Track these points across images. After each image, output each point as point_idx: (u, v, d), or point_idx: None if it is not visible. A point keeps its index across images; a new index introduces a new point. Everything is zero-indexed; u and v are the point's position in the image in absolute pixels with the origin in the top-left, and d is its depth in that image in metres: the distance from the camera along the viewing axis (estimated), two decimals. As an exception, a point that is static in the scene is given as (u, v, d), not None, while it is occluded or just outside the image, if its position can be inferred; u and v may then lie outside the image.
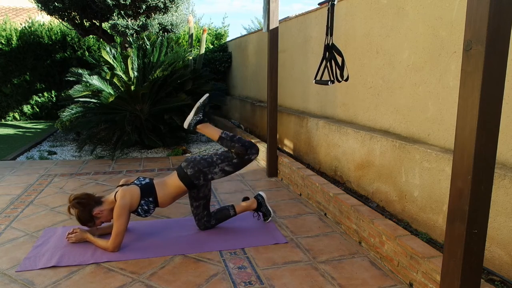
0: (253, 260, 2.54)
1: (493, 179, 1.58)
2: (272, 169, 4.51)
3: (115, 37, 7.56)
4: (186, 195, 2.96)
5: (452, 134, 2.56)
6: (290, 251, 2.66)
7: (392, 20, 3.23)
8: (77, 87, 5.47)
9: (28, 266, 2.43)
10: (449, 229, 1.67)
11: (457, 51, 2.57)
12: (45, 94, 9.30)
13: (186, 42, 8.90)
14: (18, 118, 9.39)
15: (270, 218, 3.14)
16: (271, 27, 4.15)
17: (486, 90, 1.46)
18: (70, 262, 2.48)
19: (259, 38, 6.72)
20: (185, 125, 2.92)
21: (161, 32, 6.97)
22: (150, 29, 6.66)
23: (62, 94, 6.78)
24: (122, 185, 2.75)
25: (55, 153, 5.76)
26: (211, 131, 2.90)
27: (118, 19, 6.42)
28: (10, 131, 7.81)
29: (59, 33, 9.16)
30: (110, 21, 6.57)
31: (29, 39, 8.92)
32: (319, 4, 3.76)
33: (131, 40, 6.11)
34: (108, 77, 5.39)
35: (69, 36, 9.20)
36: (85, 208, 2.62)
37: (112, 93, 5.38)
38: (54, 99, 9.29)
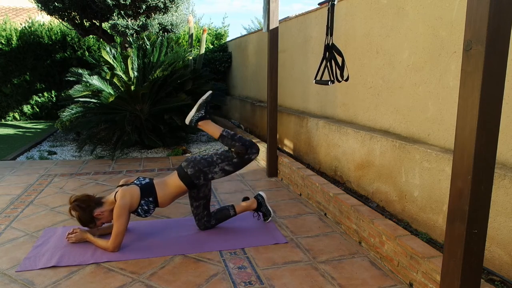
0: (253, 260, 2.54)
1: (493, 179, 1.58)
2: (272, 169, 4.51)
3: (115, 37, 7.56)
4: (186, 195, 2.96)
5: (452, 134, 2.56)
6: (290, 251, 2.66)
7: (392, 20, 3.23)
8: (77, 87, 5.47)
9: (28, 266, 2.43)
10: (449, 229, 1.67)
11: (457, 51, 2.57)
12: (45, 94, 9.30)
13: (186, 42, 8.90)
14: (18, 118, 9.39)
15: (270, 218, 3.14)
16: (271, 27, 4.15)
17: (486, 90, 1.46)
18: (70, 262, 2.48)
19: (259, 38, 6.72)
20: (187, 121, 2.93)
21: (161, 32, 6.97)
22: (150, 29, 6.66)
23: (62, 94, 6.78)
24: (122, 185, 2.75)
25: (55, 153, 5.76)
26: (212, 128, 2.90)
27: (118, 19, 6.42)
28: (10, 131, 7.81)
29: (59, 33, 9.16)
30: (110, 21, 6.57)
31: (29, 39, 8.92)
32: (319, 4, 3.76)
33: (131, 40, 6.11)
34: (108, 77, 5.40)
35: (69, 36, 9.20)
36: (86, 209, 2.62)
37: (112, 93, 5.38)
38: (54, 99, 9.30)
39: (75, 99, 5.51)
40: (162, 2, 6.41)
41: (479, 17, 1.44)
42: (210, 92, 2.98)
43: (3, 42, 8.82)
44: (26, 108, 9.33)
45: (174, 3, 6.61)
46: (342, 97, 4.06)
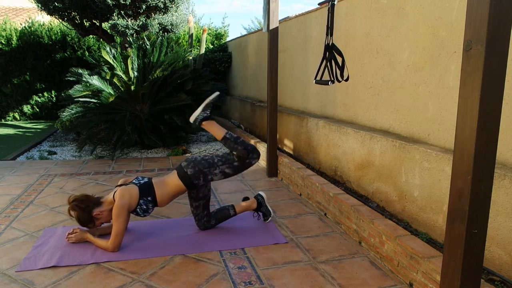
0: (253, 260, 2.54)
1: (493, 179, 1.58)
2: (272, 169, 4.51)
3: (115, 37, 7.56)
4: (185, 195, 2.96)
5: (452, 134, 2.56)
6: (290, 251, 2.66)
7: (392, 20, 3.23)
8: (77, 87, 5.47)
9: (28, 266, 2.43)
10: (449, 229, 1.67)
11: (457, 51, 2.57)
12: (45, 94, 9.30)
13: (186, 42, 8.90)
14: (18, 118, 9.39)
15: (270, 218, 3.14)
16: (271, 27, 4.15)
17: (486, 90, 1.46)
18: (70, 262, 2.48)
19: (259, 38, 6.72)
20: (191, 119, 2.93)
21: (161, 32, 6.97)
22: (150, 29, 6.66)
23: (62, 94, 6.78)
24: (120, 185, 2.75)
25: (55, 153, 5.76)
26: (216, 129, 2.90)
27: (118, 19, 6.42)
28: (10, 131, 7.81)
29: (59, 33, 9.16)
30: (110, 21, 6.57)
31: (29, 39, 8.92)
32: (319, 4, 3.76)
33: (131, 40, 6.11)
34: (108, 77, 5.40)
35: (69, 36, 9.20)
36: (85, 209, 2.62)
37: (112, 93, 5.38)
38: (54, 99, 9.30)
39: (75, 99, 5.51)
40: (162, 2, 6.41)
41: (479, 17, 1.44)
42: (217, 93, 2.98)
43: (3, 42, 8.82)
44: (26, 108, 9.33)
45: (174, 3, 6.61)
46: (342, 97, 4.06)
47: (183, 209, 3.47)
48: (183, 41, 9.34)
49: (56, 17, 6.81)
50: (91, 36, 8.74)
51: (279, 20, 4.63)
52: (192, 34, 7.28)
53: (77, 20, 7.01)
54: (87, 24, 7.21)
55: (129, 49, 6.39)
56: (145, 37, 6.29)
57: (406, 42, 3.08)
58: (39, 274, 2.35)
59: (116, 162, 5.22)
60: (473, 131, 1.50)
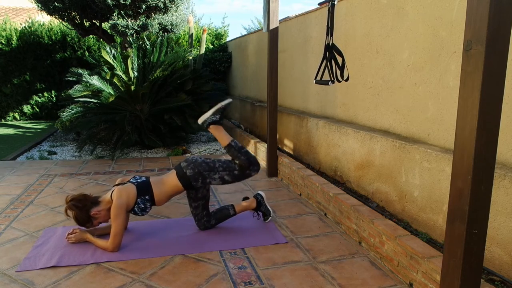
0: (253, 260, 2.54)
1: (493, 179, 1.58)
2: (272, 169, 4.51)
3: (115, 37, 7.56)
4: (184, 195, 2.96)
5: (452, 134, 2.56)
6: (290, 251, 2.66)
7: (392, 20, 3.23)
8: (77, 87, 5.47)
9: (28, 266, 2.43)
10: (449, 229, 1.67)
11: (457, 51, 2.57)
12: (45, 94, 9.30)
13: (186, 42, 8.90)
14: (18, 118, 9.39)
15: (270, 218, 3.14)
16: (271, 27, 4.15)
17: (486, 90, 1.46)
18: (70, 262, 2.48)
19: (259, 38, 6.72)
20: (200, 121, 2.94)
21: (161, 32, 6.97)
22: (150, 29, 6.66)
23: (62, 94, 6.79)
24: (118, 185, 2.75)
25: (55, 153, 5.76)
26: (222, 135, 2.92)
27: (118, 19, 6.42)
28: (10, 131, 7.81)
29: (59, 33, 9.16)
30: (110, 21, 6.57)
31: (29, 39, 8.92)
32: (319, 4, 3.76)
33: (131, 40, 6.11)
34: (108, 77, 5.40)
35: (69, 36, 9.20)
36: (82, 209, 2.62)
37: (112, 93, 5.38)
38: (54, 99, 9.30)
39: (75, 99, 5.51)
40: (162, 2, 6.41)
41: (479, 17, 1.44)
42: (230, 100, 3.01)
43: (3, 42, 8.82)
44: (26, 108, 9.33)
45: (174, 3, 6.61)
46: (342, 97, 4.06)
47: (183, 209, 3.47)
48: (183, 41, 9.34)
49: (56, 17, 6.81)
50: (91, 36, 8.74)
51: (279, 20, 4.63)
52: (192, 34, 7.28)
53: (77, 20, 7.01)
54: (87, 24, 7.21)
55: (129, 49, 6.39)
56: (145, 37, 6.29)
57: (406, 42, 3.08)
58: (39, 274, 2.35)
59: (116, 162, 5.22)
60: (473, 131, 1.50)
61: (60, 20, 6.96)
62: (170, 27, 6.99)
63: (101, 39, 8.78)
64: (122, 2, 6.11)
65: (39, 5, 6.57)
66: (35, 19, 9.76)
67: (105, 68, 5.66)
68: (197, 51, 7.63)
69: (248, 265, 2.46)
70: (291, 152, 5.17)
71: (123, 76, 5.45)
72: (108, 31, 7.21)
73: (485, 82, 1.45)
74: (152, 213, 3.35)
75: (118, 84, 5.41)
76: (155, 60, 5.84)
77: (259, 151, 5.19)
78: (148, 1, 6.30)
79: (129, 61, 5.49)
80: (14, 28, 8.96)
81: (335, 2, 3.30)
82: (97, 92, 5.51)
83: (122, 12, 6.42)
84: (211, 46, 9.86)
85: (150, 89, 5.52)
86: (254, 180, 4.36)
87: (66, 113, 5.40)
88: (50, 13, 6.64)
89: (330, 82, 3.29)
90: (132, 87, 5.43)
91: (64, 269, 2.41)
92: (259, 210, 3.13)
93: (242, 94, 8.15)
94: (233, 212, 3.04)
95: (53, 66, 9.14)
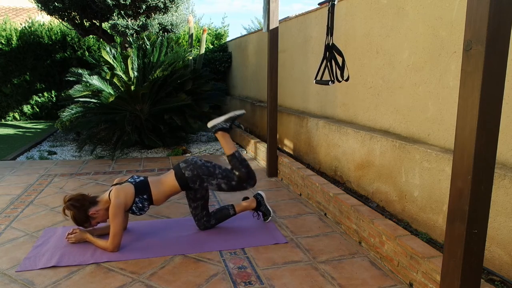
0: (253, 260, 2.54)
1: (493, 179, 1.58)
2: (272, 169, 4.51)
3: (115, 37, 7.56)
4: (184, 195, 2.97)
5: (452, 134, 2.56)
6: (290, 251, 2.66)
7: (392, 20, 3.23)
8: (77, 87, 5.47)
9: (28, 266, 2.43)
10: (449, 229, 1.67)
11: (457, 51, 2.57)
12: (45, 94, 9.30)
13: (186, 42, 8.90)
14: (18, 118, 9.39)
15: (270, 218, 3.14)
16: (271, 27, 4.15)
17: (486, 90, 1.46)
18: (70, 262, 2.48)
19: (259, 38, 6.72)
20: (210, 124, 2.98)
21: (161, 32, 6.97)
22: (150, 29, 6.66)
23: (62, 94, 6.79)
24: (116, 184, 2.75)
25: (55, 153, 5.76)
26: (228, 143, 2.95)
27: (118, 19, 6.42)
28: (10, 131, 7.81)
29: (59, 33, 9.16)
30: (110, 21, 6.57)
31: (29, 39, 8.92)
32: (319, 4, 3.76)
33: (131, 40, 6.11)
34: (108, 77, 5.40)
35: (69, 36, 9.20)
36: (80, 208, 2.62)
37: (112, 93, 5.38)
38: (54, 99, 9.30)
39: (75, 99, 5.51)
40: (162, 2, 6.41)
41: (479, 17, 1.44)
42: (243, 111, 3.07)
43: (3, 42, 8.82)
44: (26, 108, 9.33)
45: (174, 3, 6.61)
46: (342, 97, 4.06)
47: (183, 209, 3.47)
48: (183, 41, 9.34)
49: (56, 17, 6.81)
50: (91, 36, 8.74)
51: (279, 20, 4.63)
52: (192, 34, 7.28)
53: (77, 20, 7.01)
54: (87, 24, 7.21)
55: (129, 49, 6.39)
56: (145, 37, 6.29)
57: (406, 42, 3.08)
58: (39, 274, 2.35)
59: (116, 162, 5.22)
60: (473, 131, 1.50)
61: (60, 20, 6.96)
62: (170, 27, 6.99)
63: (101, 39, 8.78)
64: (122, 2, 6.11)
65: (39, 5, 6.57)
66: (35, 19, 9.77)
67: (105, 68, 5.66)
68: (197, 51, 7.64)
69: (248, 265, 2.46)
70: (291, 152, 5.17)
71: (123, 76, 5.45)
72: (108, 31, 7.21)
73: (485, 82, 1.45)
74: (152, 213, 3.36)
75: (118, 84, 5.41)
76: (155, 60, 5.84)
77: (259, 151, 5.19)
78: (148, 1, 6.30)
79: (129, 61, 5.49)
80: (14, 28, 8.97)
81: (335, 2, 3.30)
82: (97, 92, 5.51)
83: (122, 12, 6.42)
84: (211, 46, 9.86)
85: (150, 89, 5.52)
86: (254, 180, 4.36)
87: (66, 113, 5.40)
88: (50, 13, 6.64)
89: (330, 82, 3.29)
90: (132, 87, 5.43)
91: (64, 269, 2.41)
92: (259, 210, 3.13)
93: (242, 94, 8.15)
94: (233, 212, 3.04)
95: (53, 66, 9.14)
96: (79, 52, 9.22)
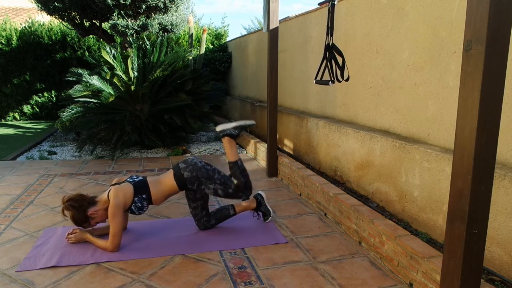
0: (253, 260, 2.54)
1: (493, 179, 1.58)
2: (272, 169, 4.51)
3: (115, 37, 7.56)
4: (184, 195, 2.97)
5: (452, 134, 2.56)
6: (290, 251, 2.66)
7: (392, 20, 3.23)
8: (77, 87, 5.47)
9: (28, 266, 2.43)
10: (449, 229, 1.67)
11: (457, 51, 2.57)
12: (45, 94, 9.30)
13: (186, 42, 8.90)
14: (18, 118, 9.39)
15: (270, 218, 3.14)
16: (271, 27, 4.15)
17: (486, 90, 1.46)
18: (70, 262, 2.48)
19: (259, 38, 6.72)
20: (219, 128, 3.00)
21: (161, 32, 6.97)
22: (150, 29, 6.66)
23: (62, 94, 6.79)
24: (114, 184, 2.75)
25: (55, 153, 5.76)
26: (232, 150, 2.97)
27: (118, 19, 6.42)
28: (10, 131, 7.81)
29: (59, 33, 9.16)
30: (110, 21, 6.57)
31: (29, 39, 8.92)
32: (319, 4, 3.76)
33: (131, 40, 6.11)
34: (108, 77, 5.40)
35: (69, 36, 9.20)
36: (79, 209, 2.62)
37: (112, 93, 5.38)
38: (54, 99, 9.30)
39: (75, 99, 5.51)
40: (162, 2, 6.41)
41: (479, 17, 1.44)
42: (254, 122, 3.12)
43: (3, 42, 8.82)
44: (26, 108, 9.33)
45: (174, 3, 6.61)
46: (342, 97, 4.06)
47: (183, 209, 3.47)
48: (183, 41, 9.34)
49: (56, 17, 6.81)
50: (91, 36, 8.74)
51: (279, 20, 4.63)
52: (192, 34, 7.28)
53: (77, 20, 7.01)
54: (87, 24, 7.21)
55: (129, 49, 6.39)
56: (145, 37, 6.29)
57: (406, 42, 3.08)
58: (39, 274, 2.35)
59: (116, 162, 5.22)
60: (473, 131, 1.50)
61: (60, 20, 6.96)
62: (170, 27, 6.99)
63: (101, 39, 8.78)
64: (122, 2, 6.11)
65: (39, 5, 6.57)
66: (35, 19, 9.77)
67: (105, 68, 5.66)
68: (197, 51, 7.64)
69: (248, 265, 2.46)
70: (291, 152, 5.17)
71: (123, 76, 5.45)
72: (108, 31, 7.21)
73: (485, 82, 1.45)
74: (152, 213, 3.36)
75: (118, 84, 5.41)
76: (155, 60, 5.84)
77: (259, 151, 5.19)
78: (148, 1, 6.30)
79: (129, 61, 5.49)
80: (14, 28, 8.97)
81: (335, 2, 3.30)
82: (97, 92, 5.51)
83: (122, 12, 6.42)
84: (211, 46, 9.86)
85: (150, 89, 5.52)
86: (254, 180, 4.36)
87: (66, 113, 5.40)
88: (50, 13, 6.64)
89: (330, 82, 3.29)
90: (132, 87, 5.43)
91: (64, 269, 2.41)
92: (259, 210, 3.13)
93: (242, 94, 8.15)
94: (233, 212, 3.04)
95: (53, 66, 9.14)
96: (79, 52, 9.22)
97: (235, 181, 2.87)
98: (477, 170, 1.52)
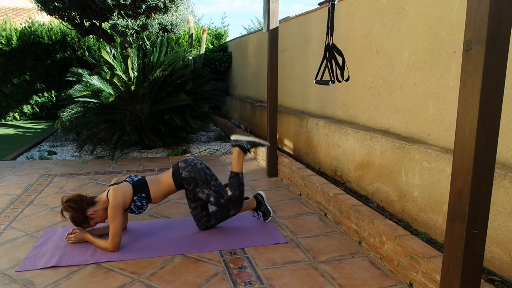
0: (253, 260, 2.54)
1: (493, 179, 1.58)
2: (272, 169, 4.51)
3: (115, 37, 7.56)
4: (184, 195, 2.97)
5: (452, 134, 2.56)
6: (290, 251, 2.66)
7: (392, 20, 3.23)
8: (77, 87, 5.47)
9: (28, 266, 2.43)
10: (449, 229, 1.67)
11: (457, 51, 2.57)
12: (45, 94, 9.30)
13: (186, 42, 8.90)
14: (18, 118, 9.39)
15: (270, 218, 3.14)
16: (271, 27, 4.15)
17: (486, 90, 1.46)
18: (70, 262, 2.48)
19: (259, 38, 6.72)
20: (233, 137, 3.04)
21: (161, 32, 6.97)
22: (150, 29, 6.66)
23: (62, 94, 6.80)
24: (113, 184, 2.75)
25: (55, 153, 5.76)
26: (239, 162, 2.97)
27: (118, 19, 6.42)
28: (10, 131, 7.81)
29: (59, 33, 9.16)
30: (110, 21, 6.57)
31: (29, 39, 8.92)
32: (319, 4, 3.76)
33: (131, 40, 6.11)
34: (108, 77, 5.40)
35: (69, 36, 9.20)
36: (79, 209, 2.62)
37: (112, 93, 5.38)
38: (54, 99, 9.30)
39: (75, 99, 5.51)
40: (162, 2, 6.41)
41: (479, 17, 1.44)
42: (268, 144, 3.17)
43: (3, 42, 8.82)
44: (26, 108, 9.33)
45: (174, 3, 6.61)
46: (342, 97, 4.06)
47: (183, 209, 3.47)
48: (183, 41, 9.34)
49: (56, 17, 6.81)
50: (91, 36, 8.74)
51: (279, 20, 4.63)
52: (192, 34, 7.28)
53: (77, 20, 7.00)
54: (87, 24, 7.20)
55: (129, 49, 6.39)
56: (145, 37, 6.29)
57: (406, 42, 3.08)
58: (39, 274, 2.35)
59: (116, 162, 5.22)
60: (473, 131, 1.50)
61: (60, 20, 6.95)
62: (170, 27, 6.99)
63: (101, 39, 8.78)
64: (122, 2, 6.11)
65: (39, 5, 6.57)
66: (35, 19, 9.76)
67: (105, 68, 5.66)
68: (197, 51, 7.64)
69: (248, 265, 2.46)
70: (291, 152, 5.17)
71: (123, 76, 5.45)
72: (108, 31, 7.21)
73: (485, 82, 1.45)
74: (152, 213, 3.36)
75: (118, 84, 5.41)
76: (155, 60, 5.84)
77: (259, 151, 5.19)
78: (148, 1, 6.30)
79: (129, 61, 5.49)
80: (14, 28, 8.96)
81: (335, 2, 3.30)
82: (97, 92, 5.51)
83: (122, 12, 6.42)
84: (211, 46, 9.86)
85: (150, 89, 5.52)
86: (254, 180, 4.36)
87: (66, 113, 5.41)
88: (50, 13, 6.64)
89: (330, 82, 3.29)
90: (132, 87, 5.43)
91: (64, 269, 2.41)
92: (259, 210, 3.13)
93: (242, 94, 8.15)
94: (233, 212, 3.04)
95: (53, 66, 9.14)
96: (79, 52, 9.22)
97: (229, 193, 2.89)
98: (477, 170, 1.52)
